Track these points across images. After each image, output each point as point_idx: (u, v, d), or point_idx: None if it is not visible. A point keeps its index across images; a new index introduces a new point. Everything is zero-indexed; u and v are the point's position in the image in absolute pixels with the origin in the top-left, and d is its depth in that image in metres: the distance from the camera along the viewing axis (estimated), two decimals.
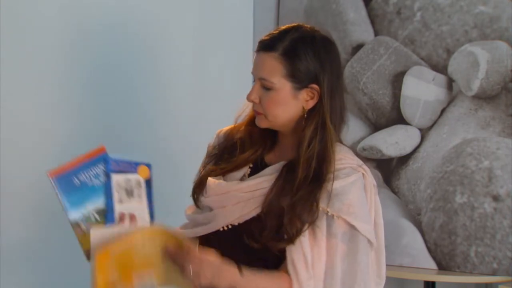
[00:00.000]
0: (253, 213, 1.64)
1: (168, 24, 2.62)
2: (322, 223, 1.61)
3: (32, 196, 2.14)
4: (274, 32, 1.67)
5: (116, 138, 2.30)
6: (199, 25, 2.75)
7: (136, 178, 1.65)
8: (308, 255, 1.59)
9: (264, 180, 1.66)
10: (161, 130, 2.57)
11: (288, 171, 1.64)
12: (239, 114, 1.78)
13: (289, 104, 1.65)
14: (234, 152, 1.74)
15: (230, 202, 1.66)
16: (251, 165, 1.73)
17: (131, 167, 1.65)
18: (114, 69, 2.42)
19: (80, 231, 1.56)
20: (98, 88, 2.37)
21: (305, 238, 1.59)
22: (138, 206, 1.64)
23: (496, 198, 2.62)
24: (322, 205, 1.60)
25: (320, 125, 1.64)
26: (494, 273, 2.61)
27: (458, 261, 2.67)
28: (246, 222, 1.65)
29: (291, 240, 1.59)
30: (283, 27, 1.68)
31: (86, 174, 1.60)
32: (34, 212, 2.18)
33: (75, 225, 1.56)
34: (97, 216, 1.59)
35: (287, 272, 1.60)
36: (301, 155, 1.63)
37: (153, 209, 1.67)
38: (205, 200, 1.73)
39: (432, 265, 2.72)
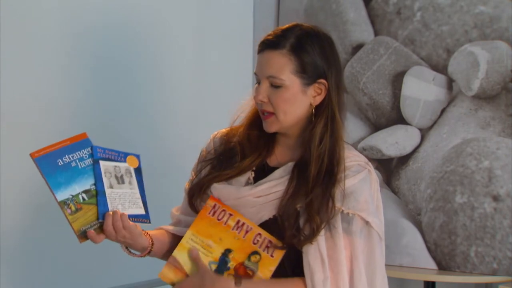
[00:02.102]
0: (266, 217, 1.65)
1: (168, 24, 2.62)
2: (337, 223, 1.62)
3: (32, 195, 2.14)
4: (276, 31, 1.68)
5: (115, 137, 2.29)
6: (199, 25, 2.75)
7: (125, 166, 1.67)
8: (325, 255, 1.59)
9: (277, 184, 1.66)
10: (160, 130, 2.57)
11: (300, 171, 1.65)
12: (234, 117, 1.78)
13: (298, 101, 1.65)
14: (234, 157, 1.73)
15: (244, 207, 1.66)
16: (254, 169, 1.72)
17: (119, 156, 1.67)
18: (114, 69, 2.42)
19: (70, 211, 1.57)
20: (98, 87, 2.37)
21: (322, 238, 1.60)
22: (130, 191, 1.65)
23: (496, 198, 2.62)
24: (337, 204, 1.62)
25: (330, 119, 1.65)
26: (494, 273, 2.61)
27: (458, 261, 2.67)
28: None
29: (310, 239, 1.59)
30: (283, 26, 1.69)
31: (70, 156, 1.61)
32: (34, 211, 2.17)
33: (64, 205, 1.57)
34: (85, 197, 1.60)
35: (301, 278, 1.61)
36: (313, 153, 1.63)
37: (145, 198, 1.68)
38: None
39: (432, 265, 2.72)
